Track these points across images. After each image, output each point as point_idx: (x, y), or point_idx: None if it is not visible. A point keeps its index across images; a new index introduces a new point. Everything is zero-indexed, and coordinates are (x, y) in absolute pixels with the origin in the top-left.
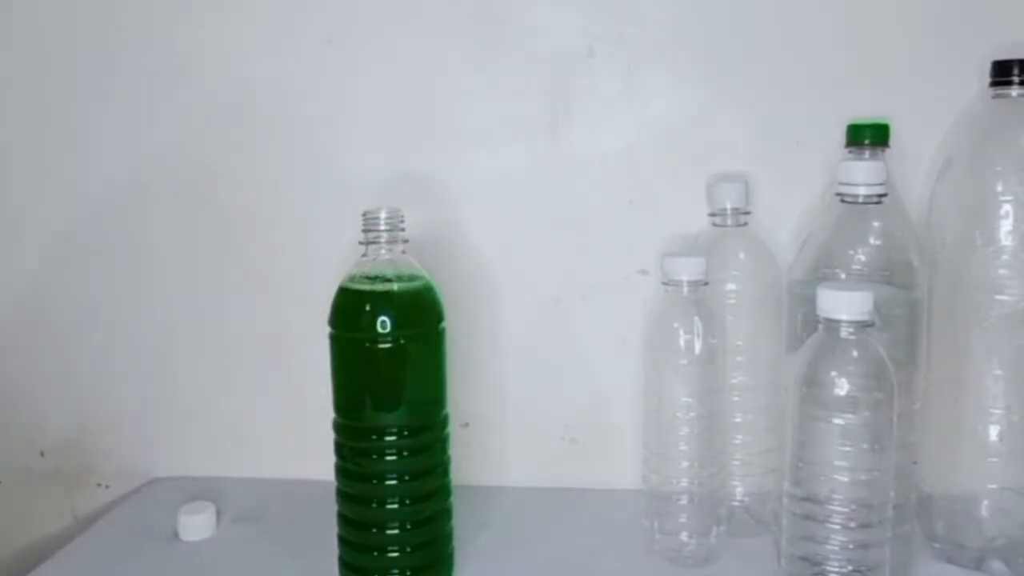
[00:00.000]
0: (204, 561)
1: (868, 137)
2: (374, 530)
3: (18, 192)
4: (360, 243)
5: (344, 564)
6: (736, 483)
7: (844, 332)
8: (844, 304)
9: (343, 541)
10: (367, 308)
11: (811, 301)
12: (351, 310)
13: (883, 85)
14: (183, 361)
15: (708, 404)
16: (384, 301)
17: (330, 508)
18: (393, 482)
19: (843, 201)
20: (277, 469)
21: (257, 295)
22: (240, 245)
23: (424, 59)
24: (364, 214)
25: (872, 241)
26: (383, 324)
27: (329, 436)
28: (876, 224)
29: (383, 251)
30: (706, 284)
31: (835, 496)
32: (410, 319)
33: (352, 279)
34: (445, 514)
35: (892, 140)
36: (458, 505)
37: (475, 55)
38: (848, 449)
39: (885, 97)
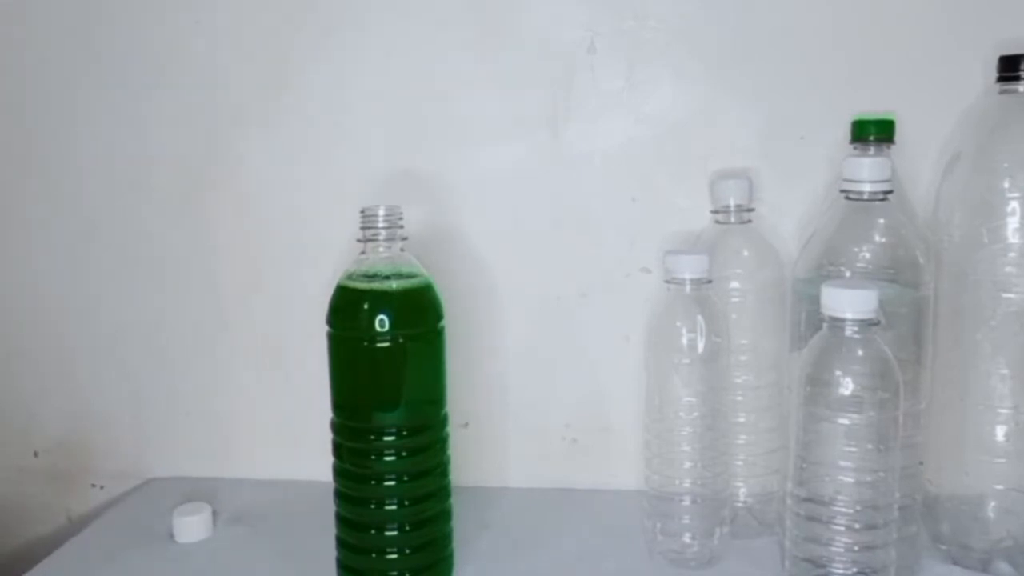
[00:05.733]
0: (200, 563)
1: (873, 133)
2: (373, 531)
3: (14, 192)
4: (358, 241)
5: (342, 566)
6: (739, 484)
7: (849, 331)
8: (849, 302)
9: (341, 542)
10: (365, 307)
11: (815, 299)
12: (349, 309)
13: (888, 81)
14: (179, 360)
15: (711, 404)
16: (382, 299)
17: (328, 509)
18: (392, 483)
19: (848, 198)
20: (274, 470)
21: (254, 294)
22: (237, 244)
23: (423, 54)
24: (362, 211)
25: (877, 238)
26: (381, 323)
27: (327, 436)
28: (881, 221)
29: (381, 249)
30: (709, 282)
31: (840, 497)
32: (409, 318)
33: (350, 277)
34: (444, 515)
35: (897, 136)
36: (458, 506)
37: (475, 50)
38: (853, 449)
39: (890, 93)
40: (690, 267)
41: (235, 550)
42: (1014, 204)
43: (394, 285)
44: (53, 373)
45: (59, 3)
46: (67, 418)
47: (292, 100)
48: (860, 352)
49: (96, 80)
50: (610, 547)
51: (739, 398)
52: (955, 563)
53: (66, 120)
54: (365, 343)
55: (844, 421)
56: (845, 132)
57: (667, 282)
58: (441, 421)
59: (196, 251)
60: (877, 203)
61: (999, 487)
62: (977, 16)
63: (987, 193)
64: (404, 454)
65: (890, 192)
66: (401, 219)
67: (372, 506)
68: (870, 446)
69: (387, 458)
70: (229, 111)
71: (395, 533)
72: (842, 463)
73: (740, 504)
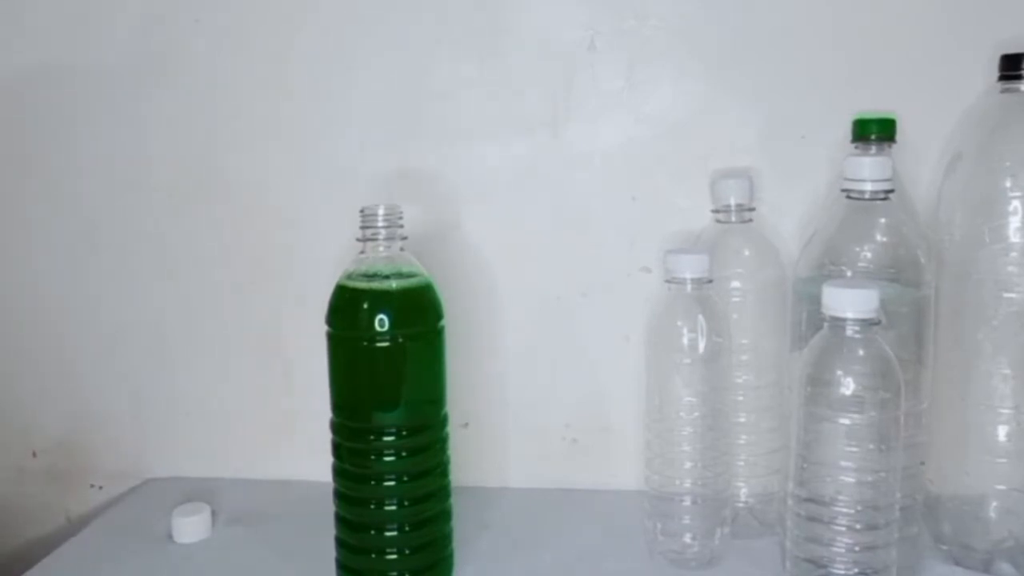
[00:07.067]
0: (199, 563)
1: (874, 132)
2: (372, 532)
3: (14, 192)
4: (358, 240)
5: (342, 566)
6: (740, 484)
7: (850, 330)
8: (850, 302)
9: (341, 543)
10: (365, 306)
11: (816, 299)
12: (349, 308)
13: (888, 80)
14: (178, 360)
15: (712, 403)
16: (382, 299)
17: (327, 510)
18: (392, 483)
19: (849, 197)
20: (274, 470)
21: (253, 294)
22: (236, 243)
23: (423, 53)
24: (362, 211)
25: (878, 238)
26: (381, 323)
27: (326, 436)
28: (882, 221)
29: (381, 248)
30: (710, 282)
31: (841, 497)
32: (409, 317)
33: (350, 277)
34: (444, 515)
35: (899, 135)
36: (457, 506)
37: (475, 50)
38: (854, 449)
39: (891, 92)
40: (691, 266)
41: (234, 550)
42: (1015, 203)
43: (394, 285)
44: (53, 373)
45: (59, 3)
46: (67, 418)
47: (292, 100)
48: (861, 352)
49: (96, 80)
50: (610, 547)
51: (740, 398)
52: (957, 564)
53: (66, 120)
54: (365, 343)
55: (845, 421)
56: (846, 131)
57: (668, 282)
58: (441, 421)
59: (196, 251)
60: (878, 202)
61: (1001, 487)
62: (977, 15)
63: (988, 192)
64: (404, 454)
65: (891, 191)
66: (401, 219)
67: (372, 506)
68: (871, 446)
69: (387, 458)
70: (229, 111)
71: (395, 533)
72: (843, 463)
73: (741, 504)
